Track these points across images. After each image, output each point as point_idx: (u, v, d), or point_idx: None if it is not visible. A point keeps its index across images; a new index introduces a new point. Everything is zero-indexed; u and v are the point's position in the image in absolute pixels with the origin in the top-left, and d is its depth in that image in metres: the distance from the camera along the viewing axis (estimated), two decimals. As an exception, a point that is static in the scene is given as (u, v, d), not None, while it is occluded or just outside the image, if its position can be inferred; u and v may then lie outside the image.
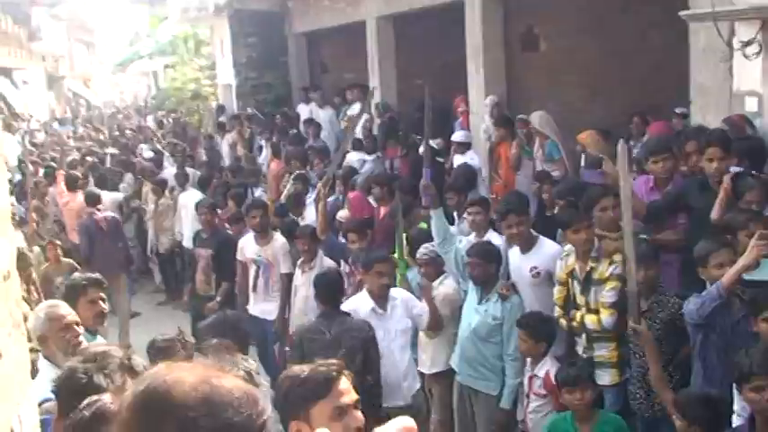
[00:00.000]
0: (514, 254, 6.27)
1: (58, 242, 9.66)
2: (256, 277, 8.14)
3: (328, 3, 14.91)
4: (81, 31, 49.95)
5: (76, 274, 5.82)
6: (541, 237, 6.28)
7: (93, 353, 2.94)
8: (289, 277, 7.91)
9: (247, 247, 8.23)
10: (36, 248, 9.51)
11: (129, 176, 13.81)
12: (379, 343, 5.56)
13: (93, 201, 10.68)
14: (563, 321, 5.73)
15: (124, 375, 2.78)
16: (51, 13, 37.55)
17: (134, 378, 2.55)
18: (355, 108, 13.50)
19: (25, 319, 4.18)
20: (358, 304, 5.90)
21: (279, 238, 8.14)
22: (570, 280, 5.73)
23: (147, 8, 38.92)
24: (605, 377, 5.50)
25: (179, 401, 1.39)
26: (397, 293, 6.04)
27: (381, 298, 5.86)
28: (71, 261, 9.38)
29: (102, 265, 9.08)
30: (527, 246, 6.17)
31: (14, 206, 10.48)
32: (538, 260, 6.09)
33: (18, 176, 14.40)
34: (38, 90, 34.47)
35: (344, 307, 5.80)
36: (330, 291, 5.80)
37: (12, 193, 11.84)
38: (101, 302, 5.04)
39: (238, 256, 8.39)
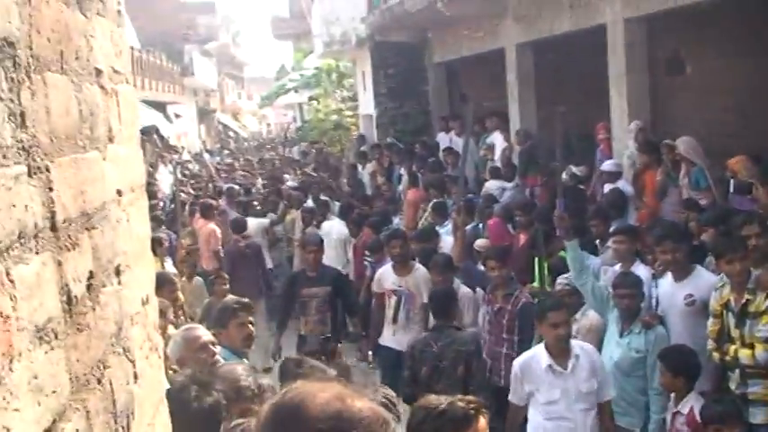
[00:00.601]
0: (666, 282, 6.06)
1: (226, 276, 9.67)
2: (397, 308, 7.86)
3: (467, 32, 14.96)
4: (230, 67, 52.32)
5: (228, 298, 6.00)
6: (699, 266, 6.04)
7: (204, 370, 3.02)
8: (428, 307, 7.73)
9: (386, 277, 8.01)
10: (198, 279, 9.67)
11: (281, 205, 14.20)
12: (555, 403, 5.28)
13: (238, 228, 11.09)
14: (716, 355, 5.48)
15: (251, 399, 2.83)
16: (203, 49, 39.43)
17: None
18: (495, 137, 13.44)
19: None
20: (533, 359, 5.44)
21: (420, 268, 7.90)
22: (725, 312, 5.47)
23: (292, 44, 40.37)
24: (759, 415, 5.21)
25: (311, 415, 1.43)
26: (581, 348, 5.44)
27: (560, 353, 5.32)
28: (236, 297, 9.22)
29: (242, 290, 9.36)
30: (683, 274, 5.96)
31: (166, 233, 10.93)
32: (694, 288, 5.87)
33: (171, 205, 15.07)
34: (190, 123, 36.18)
35: (518, 360, 5.60)
36: (441, 305, 6.24)
37: (164, 222, 12.45)
38: (249, 326, 5.20)
39: (375, 288, 8.25)
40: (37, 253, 1.34)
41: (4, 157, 1.24)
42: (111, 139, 1.86)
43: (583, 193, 10.23)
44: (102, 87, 1.82)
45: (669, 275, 6.06)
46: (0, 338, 1.15)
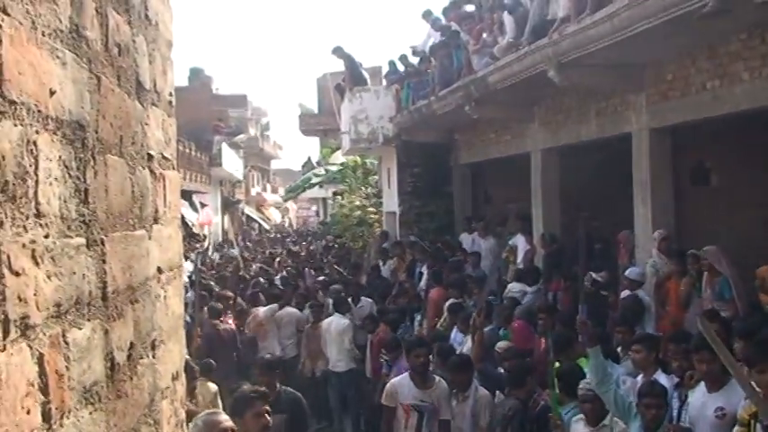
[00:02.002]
0: (698, 393, 6.01)
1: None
2: (419, 426, 7.14)
3: (494, 135, 15.28)
4: (257, 159, 53.24)
5: (244, 387, 6.02)
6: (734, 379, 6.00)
7: None
8: (449, 424, 7.18)
9: (404, 391, 7.22)
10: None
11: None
12: None
13: (214, 314, 11.42)
14: (740, 467, 5.38)
15: None
16: (231, 141, 40.24)
17: None
18: (517, 239, 13.55)
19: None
20: None
21: (441, 381, 7.31)
22: (752, 422, 5.40)
23: (319, 139, 41.18)
24: None
25: None
26: None
27: None
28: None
29: (221, 373, 9.50)
30: (717, 385, 5.90)
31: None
32: (726, 401, 5.79)
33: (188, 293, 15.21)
34: (214, 213, 36.65)
35: None
36: (517, 376, 7.06)
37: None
38: (266, 416, 5.21)
39: (386, 402, 7.36)
40: (89, 319, 1.46)
41: (69, 228, 1.37)
42: (156, 220, 2.01)
43: (605, 300, 10.25)
44: (152, 171, 1.98)
45: (702, 385, 6.02)
46: (55, 393, 1.26)
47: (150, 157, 1.97)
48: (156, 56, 2.08)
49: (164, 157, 2.12)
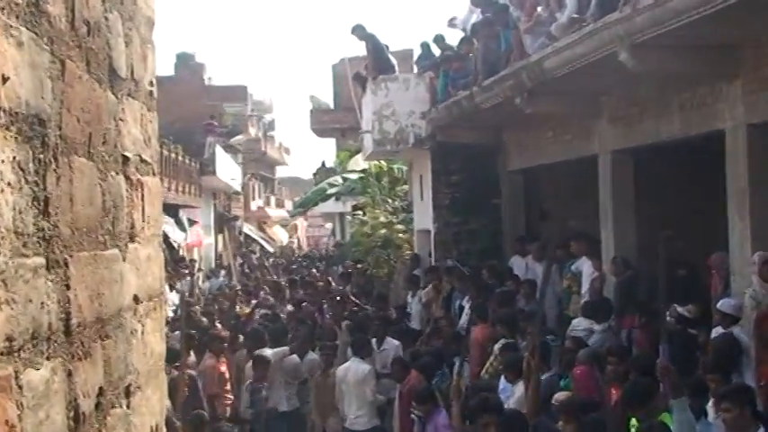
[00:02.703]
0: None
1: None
2: None
3: (552, 135, 15.24)
4: (259, 165, 53.45)
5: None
6: None
7: None
8: None
9: None
10: None
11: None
12: None
13: (170, 358, 11.47)
14: None
15: None
16: (227, 143, 40.38)
17: None
18: (582, 263, 13.47)
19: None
20: None
21: None
22: None
23: (335, 141, 41.26)
24: None
25: None
26: None
27: None
28: None
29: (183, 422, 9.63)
30: None
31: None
32: None
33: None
34: (205, 232, 36.79)
35: None
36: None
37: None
38: None
39: None
40: (48, 358, 1.46)
41: (25, 245, 1.38)
42: (132, 238, 2.02)
43: (693, 340, 10.18)
44: (127, 177, 1.99)
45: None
46: (4, 449, 1.27)
47: (126, 159, 1.98)
48: (134, 37, 2.10)
49: (142, 161, 2.13)
